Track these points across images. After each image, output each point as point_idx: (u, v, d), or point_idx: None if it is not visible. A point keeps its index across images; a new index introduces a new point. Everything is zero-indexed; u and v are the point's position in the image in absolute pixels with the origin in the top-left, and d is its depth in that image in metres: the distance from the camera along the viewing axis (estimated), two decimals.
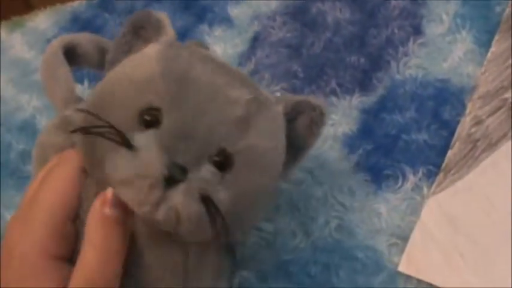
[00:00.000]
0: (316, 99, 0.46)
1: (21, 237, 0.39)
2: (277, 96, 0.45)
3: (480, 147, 0.53)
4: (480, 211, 0.51)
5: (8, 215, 0.58)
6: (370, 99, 0.59)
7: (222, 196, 0.37)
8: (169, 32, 0.43)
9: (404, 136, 0.56)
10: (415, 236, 0.51)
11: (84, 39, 0.48)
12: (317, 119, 0.44)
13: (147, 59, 0.39)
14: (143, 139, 0.36)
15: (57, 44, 0.47)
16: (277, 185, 0.42)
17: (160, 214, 0.35)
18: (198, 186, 0.36)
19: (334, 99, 0.59)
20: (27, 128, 0.61)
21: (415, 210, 0.53)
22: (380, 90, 0.59)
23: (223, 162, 0.38)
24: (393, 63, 0.60)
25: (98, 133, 0.36)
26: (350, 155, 0.56)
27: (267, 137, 0.40)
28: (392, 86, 0.59)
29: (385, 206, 0.53)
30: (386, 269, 0.51)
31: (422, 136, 0.56)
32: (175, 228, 0.36)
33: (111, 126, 0.36)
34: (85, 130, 0.37)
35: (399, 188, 0.54)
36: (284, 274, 0.51)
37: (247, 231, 0.43)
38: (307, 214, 0.54)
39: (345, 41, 0.62)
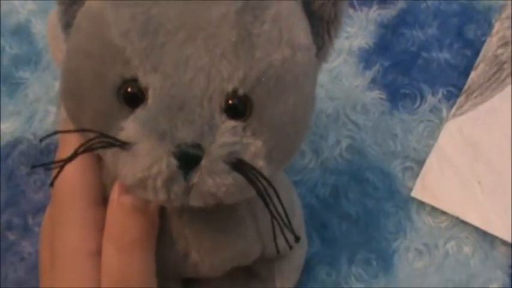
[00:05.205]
0: None
1: (58, 240, 0.36)
2: None
3: (506, 70, 0.50)
4: (503, 138, 0.48)
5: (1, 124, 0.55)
6: (388, 13, 0.56)
7: (253, 149, 0.31)
8: None
9: (424, 54, 0.53)
10: (431, 161, 0.49)
11: None
12: None
13: (93, 19, 0.32)
14: (133, 129, 0.30)
15: None
16: (314, 88, 0.34)
17: (194, 201, 0.31)
18: (222, 154, 0.30)
19: (350, 10, 0.56)
20: (21, 32, 0.58)
21: (432, 133, 0.51)
22: (400, 4, 0.56)
23: (239, 108, 0.31)
24: None
25: (84, 152, 0.31)
26: (365, 70, 0.54)
27: (281, 44, 0.31)
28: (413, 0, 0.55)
29: (400, 127, 0.51)
30: (399, 193, 0.50)
31: (444, 55, 0.53)
32: (217, 203, 0.32)
33: (91, 130, 0.31)
34: (74, 154, 0.31)
35: (416, 108, 0.52)
36: None
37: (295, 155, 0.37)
38: (317, 132, 0.52)
39: None
